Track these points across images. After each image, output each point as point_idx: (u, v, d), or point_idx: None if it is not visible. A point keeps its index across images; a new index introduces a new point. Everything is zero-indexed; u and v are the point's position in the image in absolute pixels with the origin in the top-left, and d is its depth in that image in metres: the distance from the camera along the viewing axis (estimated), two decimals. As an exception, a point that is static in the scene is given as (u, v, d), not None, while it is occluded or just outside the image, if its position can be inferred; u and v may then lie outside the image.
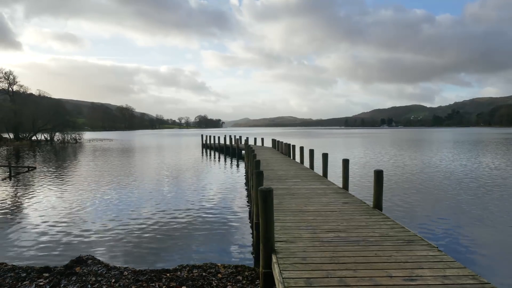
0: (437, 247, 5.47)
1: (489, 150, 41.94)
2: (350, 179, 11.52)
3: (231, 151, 37.70)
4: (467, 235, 9.75)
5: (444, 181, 18.78)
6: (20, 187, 18.25)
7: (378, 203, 8.19)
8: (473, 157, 32.38)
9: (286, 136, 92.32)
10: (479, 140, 67.86)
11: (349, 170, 11.36)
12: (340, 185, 11.36)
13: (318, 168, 15.81)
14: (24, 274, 6.96)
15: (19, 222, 11.42)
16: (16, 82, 76.79)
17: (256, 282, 6.46)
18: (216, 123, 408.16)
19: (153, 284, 6.42)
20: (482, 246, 8.93)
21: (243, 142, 37.43)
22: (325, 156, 14.13)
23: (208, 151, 44.49)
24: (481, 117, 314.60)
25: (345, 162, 11.18)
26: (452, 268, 4.64)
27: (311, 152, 17.04)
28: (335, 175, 18.08)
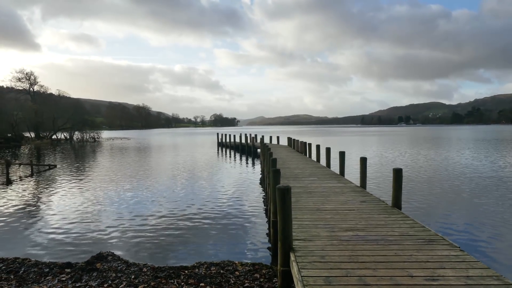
0: (459, 247, 5.35)
1: (510, 148, 40.81)
2: (367, 177, 11.39)
3: (247, 149, 37.77)
4: (490, 235, 9.51)
5: (465, 180, 18.36)
6: (42, 185, 18.73)
7: (397, 202, 8.07)
8: (495, 156, 31.55)
9: (301, 134, 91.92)
10: (501, 138, 66.08)
11: (367, 168, 11.23)
12: (358, 184, 11.24)
13: (334, 167, 15.69)
14: (47, 270, 7.14)
15: (41, 219, 11.72)
16: (37, 82, 78.99)
17: (274, 280, 6.46)
18: (231, 122, 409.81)
19: (172, 281, 6.50)
20: (505, 247, 8.70)
21: (258, 140, 37.45)
22: (342, 154, 14.01)
23: (224, 149, 44.69)
24: (503, 114, 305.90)
25: (363, 160, 11.04)
26: (475, 269, 4.53)
27: (328, 150, 16.90)
28: (352, 174, 17.90)
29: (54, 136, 75.07)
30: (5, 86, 76.27)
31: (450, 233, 9.44)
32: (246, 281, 6.47)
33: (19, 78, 75.78)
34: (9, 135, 63.90)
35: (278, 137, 39.69)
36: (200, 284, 6.36)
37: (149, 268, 7.17)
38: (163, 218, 11.58)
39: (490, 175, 19.94)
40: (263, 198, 14.55)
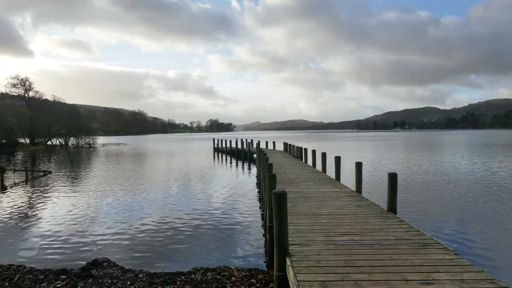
0: (453, 251, 5.40)
1: (506, 152, 41.14)
2: (363, 182, 11.44)
3: (243, 154, 37.76)
4: (484, 239, 9.57)
5: (459, 184, 18.48)
6: (37, 191, 18.60)
7: (392, 206, 8.13)
8: (489, 160, 31.78)
9: (297, 139, 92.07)
10: (496, 143, 66.59)
11: (362, 173, 11.29)
12: (353, 188, 11.29)
13: (330, 171, 15.74)
14: (42, 276, 7.10)
15: (36, 225, 11.64)
16: (32, 88, 78.73)
17: (270, 285, 6.46)
18: (227, 127, 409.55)
19: (168, 287, 6.48)
20: (499, 250, 8.76)
21: (254, 145, 37.48)
22: (337, 159, 14.07)
23: (220, 154, 44.64)
24: (497, 119, 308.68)
25: (358, 165, 11.11)
26: (470, 272, 4.58)
27: (323, 155, 16.97)
28: (347, 178, 17.96)
29: (49, 142, 74.60)
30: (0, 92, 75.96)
31: (444, 237, 9.49)
32: (242, 287, 6.47)
33: (14, 84, 75.63)
34: (4, 141, 63.43)
35: (274, 142, 39.71)
36: (196, 290, 6.34)
37: (145, 274, 7.15)
38: (159, 224, 11.54)
39: (484, 179, 20.08)
40: (259, 203, 14.55)
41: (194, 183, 20.66)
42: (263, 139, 48.55)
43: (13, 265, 7.82)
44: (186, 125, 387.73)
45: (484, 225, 10.85)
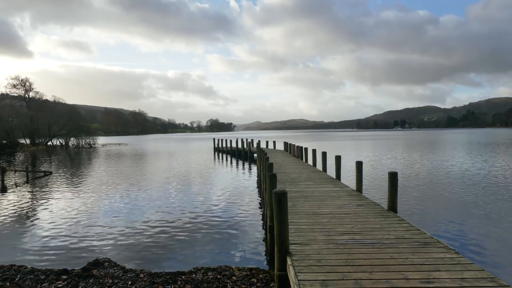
0: (454, 250, 5.40)
1: (506, 151, 41.13)
2: (363, 181, 11.44)
3: (243, 154, 37.77)
4: (485, 237, 9.57)
5: (460, 183, 18.47)
6: (38, 191, 18.62)
7: (392, 205, 8.13)
8: (490, 159, 31.76)
9: (298, 139, 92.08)
10: (496, 141, 66.54)
11: (363, 172, 11.29)
12: (354, 188, 11.30)
13: (331, 171, 15.74)
14: (43, 277, 7.11)
15: (37, 226, 11.66)
16: (32, 89, 78.67)
17: (271, 285, 6.47)
18: (227, 127, 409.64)
19: (169, 286, 6.49)
20: (500, 249, 8.76)
21: (254, 145, 37.48)
22: (338, 159, 14.07)
23: (220, 154, 44.66)
24: (497, 117, 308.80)
25: (359, 164, 11.11)
26: (470, 271, 4.58)
27: (324, 154, 16.97)
28: (348, 178, 17.97)
29: (49, 143, 74.61)
30: (0, 93, 75.99)
31: (445, 236, 9.50)
32: (243, 286, 6.48)
33: (15, 85, 75.54)
34: (4, 141, 63.47)
35: (274, 142, 39.72)
36: (197, 290, 6.35)
37: (146, 274, 7.16)
38: (160, 224, 11.55)
39: (485, 178, 20.07)
40: (259, 202, 14.56)
41: (195, 183, 20.67)
42: (263, 138, 48.55)
43: (14, 265, 7.83)
44: (186, 125, 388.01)
45: (484, 224, 10.85)
